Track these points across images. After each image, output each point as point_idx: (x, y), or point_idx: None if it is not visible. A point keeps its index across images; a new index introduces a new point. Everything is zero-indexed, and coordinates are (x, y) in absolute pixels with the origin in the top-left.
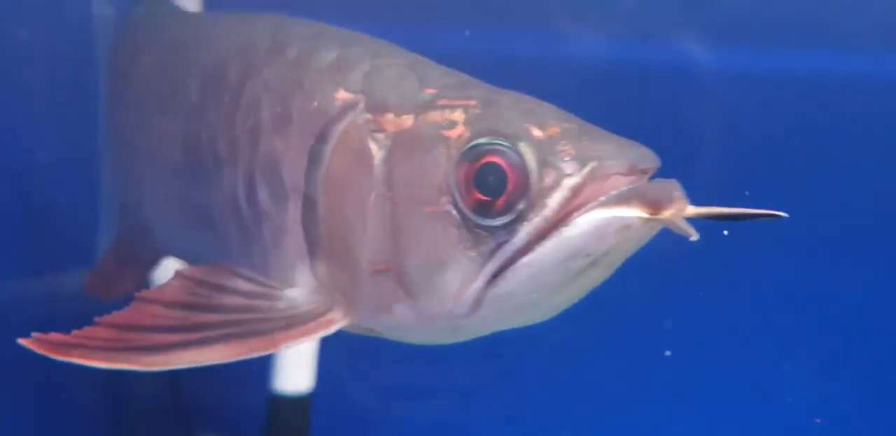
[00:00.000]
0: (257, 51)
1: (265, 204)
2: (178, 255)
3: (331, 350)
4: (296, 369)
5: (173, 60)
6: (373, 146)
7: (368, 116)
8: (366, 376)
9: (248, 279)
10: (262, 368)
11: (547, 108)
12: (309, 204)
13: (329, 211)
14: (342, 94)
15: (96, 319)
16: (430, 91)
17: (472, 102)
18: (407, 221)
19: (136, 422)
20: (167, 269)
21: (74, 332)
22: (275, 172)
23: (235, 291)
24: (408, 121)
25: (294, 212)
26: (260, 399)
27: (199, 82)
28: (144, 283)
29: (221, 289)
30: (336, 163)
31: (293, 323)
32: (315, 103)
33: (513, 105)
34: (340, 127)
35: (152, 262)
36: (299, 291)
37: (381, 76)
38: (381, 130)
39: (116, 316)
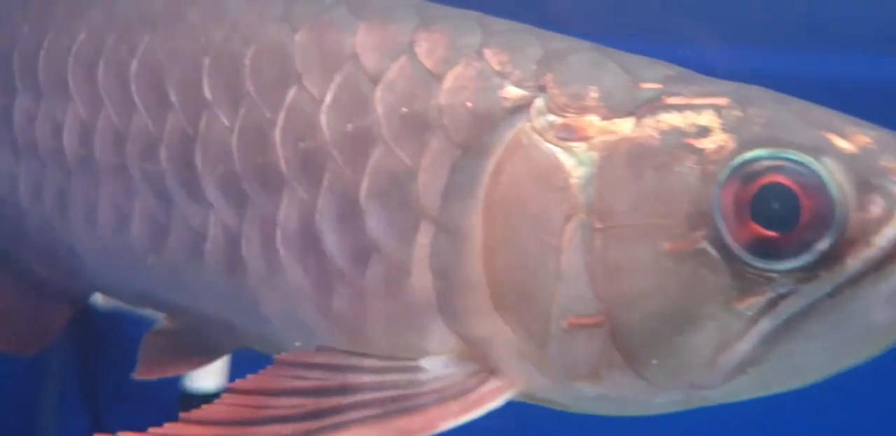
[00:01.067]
0: (334, 24)
1: (375, 238)
2: (126, 297)
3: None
4: (207, 367)
5: (138, 27)
6: (566, 160)
7: (554, 118)
8: None
9: (364, 355)
10: None
11: (815, 107)
12: (451, 237)
13: (492, 246)
14: (510, 91)
15: (198, 418)
16: (649, 85)
17: (722, 100)
18: (633, 262)
19: (49, 421)
20: None
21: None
22: (392, 194)
23: (356, 369)
24: (624, 126)
25: (424, 248)
26: (172, 397)
27: (211, 65)
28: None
29: (338, 369)
30: (504, 182)
31: (446, 397)
32: (465, 103)
33: (778, 104)
34: (508, 134)
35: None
36: (440, 358)
37: (567, 65)
38: (579, 139)
39: (224, 413)
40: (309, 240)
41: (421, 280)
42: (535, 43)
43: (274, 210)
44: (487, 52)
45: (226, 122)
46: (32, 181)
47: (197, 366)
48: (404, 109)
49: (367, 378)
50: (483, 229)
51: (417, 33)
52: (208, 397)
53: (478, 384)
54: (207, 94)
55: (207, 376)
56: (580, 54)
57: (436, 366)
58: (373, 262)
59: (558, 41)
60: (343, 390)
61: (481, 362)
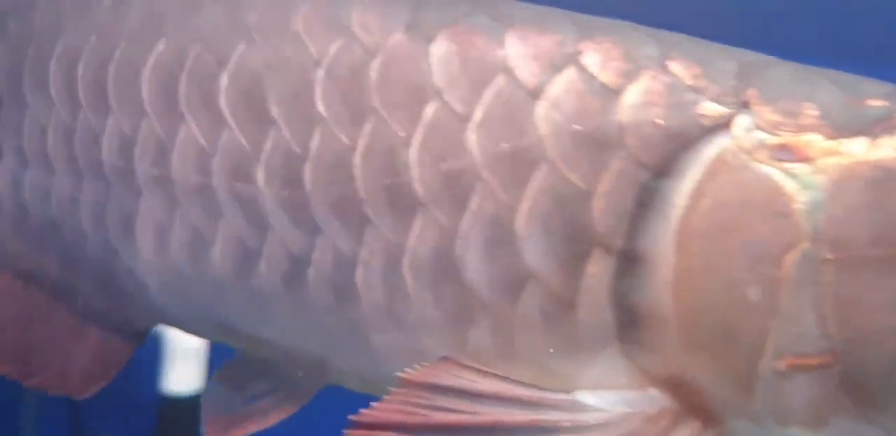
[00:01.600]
0: (477, 33)
1: (532, 266)
2: (198, 330)
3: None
4: (185, 370)
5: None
6: (787, 183)
7: (766, 137)
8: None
9: (506, 380)
10: (152, 368)
11: None
12: (635, 264)
13: (687, 275)
14: (708, 108)
15: None
16: (875, 102)
17: None
18: (874, 296)
19: (29, 423)
20: None
21: None
22: (559, 218)
23: (501, 399)
24: (855, 146)
25: (594, 276)
26: (151, 400)
27: (326, 78)
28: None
29: (478, 396)
30: (706, 206)
31: None
32: (654, 120)
33: None
34: (710, 154)
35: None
36: (611, 394)
37: (770, 79)
38: (800, 160)
39: None
40: (445, 267)
41: (588, 311)
42: (724, 55)
43: (402, 235)
44: (674, 65)
45: (345, 140)
46: (94, 204)
47: (278, 412)
48: (576, 127)
49: (516, 415)
50: (677, 257)
51: (582, 43)
52: (187, 401)
53: (666, 427)
54: (321, 109)
55: (186, 380)
56: (780, 68)
57: (606, 404)
58: (527, 291)
59: (746, 54)
60: (487, 428)
61: (666, 401)
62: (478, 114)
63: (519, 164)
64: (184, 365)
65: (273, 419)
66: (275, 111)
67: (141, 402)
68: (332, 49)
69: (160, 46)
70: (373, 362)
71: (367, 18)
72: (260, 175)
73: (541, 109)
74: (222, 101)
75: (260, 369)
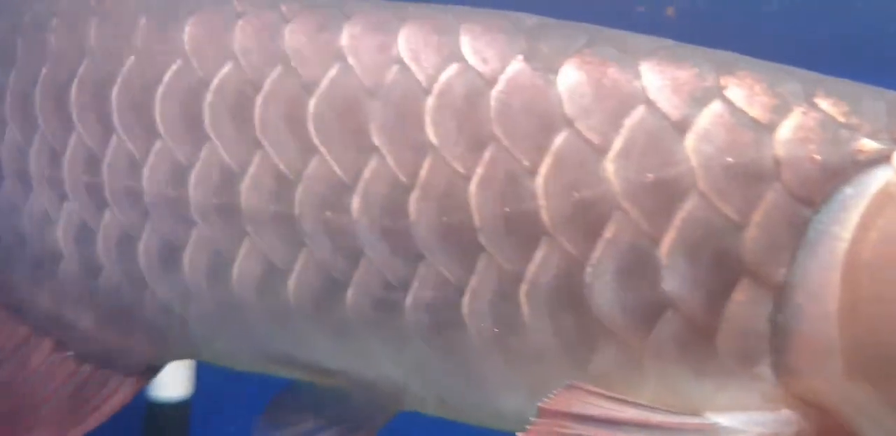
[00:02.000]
0: (607, 64)
1: (672, 294)
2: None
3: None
4: (174, 375)
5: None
6: None
7: None
8: (246, 381)
9: (641, 405)
10: None
11: None
12: (795, 295)
13: (853, 307)
14: (865, 144)
15: None
16: None
17: None
18: None
19: None
20: None
21: None
22: (707, 249)
23: (643, 426)
24: None
25: (741, 305)
26: (139, 405)
27: (437, 105)
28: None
29: (620, 424)
30: (873, 239)
31: None
32: (811, 155)
33: None
34: (872, 188)
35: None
36: (744, 416)
37: None
38: None
39: None
40: (569, 296)
41: (728, 337)
42: (869, 94)
43: (522, 264)
44: (822, 102)
45: (459, 168)
46: (120, 236)
47: None
48: (729, 160)
49: None
50: (842, 289)
51: (723, 77)
52: (175, 407)
53: None
54: (432, 137)
55: (173, 385)
56: None
57: (740, 423)
58: (663, 319)
59: (886, 93)
60: None
61: (802, 422)
62: (616, 144)
63: (664, 194)
64: (171, 371)
65: None
66: (376, 139)
67: (128, 407)
68: (444, 77)
69: (226, 69)
70: (466, 387)
71: (480, 46)
72: (356, 204)
73: (689, 142)
74: (310, 127)
75: (313, 403)
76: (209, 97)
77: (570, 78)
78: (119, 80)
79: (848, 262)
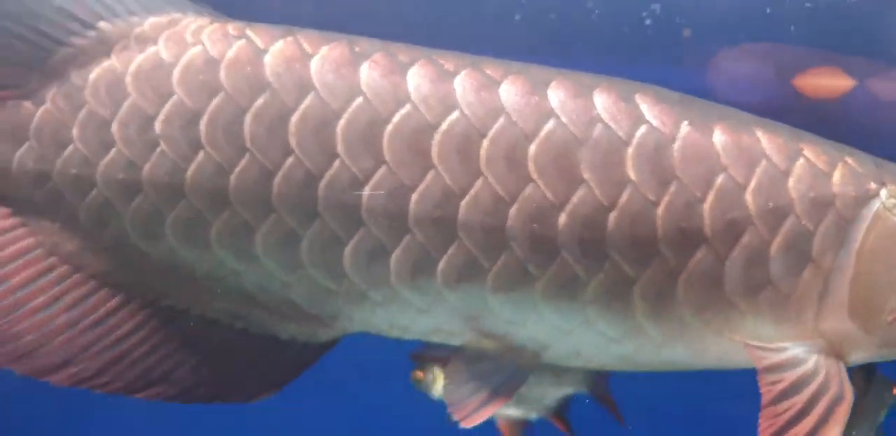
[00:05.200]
0: (740, 131)
1: (773, 276)
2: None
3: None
4: None
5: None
6: None
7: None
8: None
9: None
10: None
11: None
12: (832, 273)
13: (858, 278)
14: (871, 185)
15: None
16: None
17: None
18: None
19: None
20: None
21: None
22: (796, 248)
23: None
24: None
25: (807, 280)
26: None
27: (636, 154)
28: None
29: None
30: (871, 240)
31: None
32: (849, 192)
33: None
34: (872, 211)
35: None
36: (806, 343)
37: (889, 167)
38: None
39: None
40: (711, 282)
41: (801, 300)
42: (862, 156)
43: (684, 261)
44: (849, 160)
45: (651, 197)
46: (327, 242)
47: (508, 392)
48: (812, 195)
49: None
50: (854, 268)
51: (800, 142)
52: None
53: (835, 363)
54: (631, 175)
55: None
56: (881, 161)
57: (806, 350)
58: (765, 292)
59: (869, 155)
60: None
61: (826, 347)
62: (752, 183)
63: (777, 215)
64: None
65: (506, 398)
66: (586, 175)
67: None
68: (638, 134)
69: (453, 117)
70: (612, 347)
71: (658, 112)
72: (562, 220)
73: (791, 183)
74: (530, 165)
75: (481, 359)
76: (438, 137)
77: (722, 139)
78: (345, 116)
79: (859, 254)
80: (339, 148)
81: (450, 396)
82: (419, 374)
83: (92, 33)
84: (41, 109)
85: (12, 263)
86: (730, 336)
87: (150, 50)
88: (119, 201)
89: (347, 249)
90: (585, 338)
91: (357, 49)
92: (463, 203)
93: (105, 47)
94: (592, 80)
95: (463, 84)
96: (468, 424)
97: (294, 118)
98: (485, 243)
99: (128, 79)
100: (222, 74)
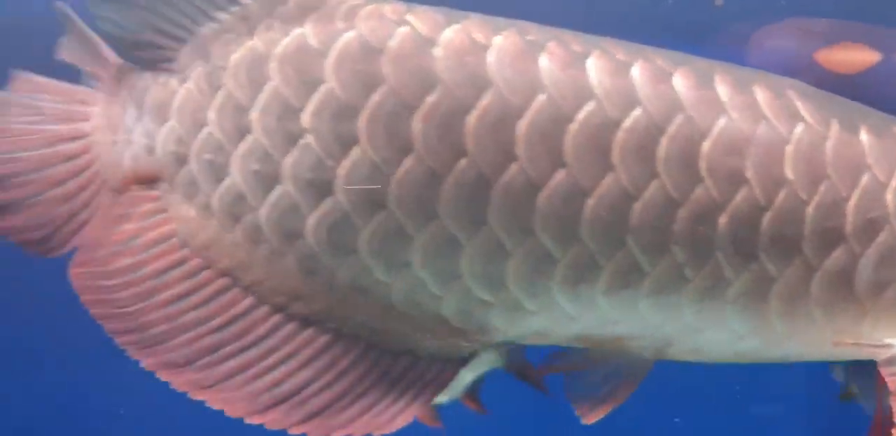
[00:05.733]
0: (882, 132)
1: None
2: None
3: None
4: None
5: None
6: None
7: None
8: None
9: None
10: None
11: None
12: None
13: None
14: None
15: None
16: None
17: None
18: None
19: None
20: None
21: None
22: None
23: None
24: None
25: None
26: None
27: (794, 151)
28: None
29: None
30: None
31: None
32: None
33: None
34: None
35: None
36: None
37: None
38: None
39: None
40: (844, 280)
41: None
42: None
43: (822, 260)
44: None
45: (803, 196)
46: (490, 252)
47: (627, 388)
48: None
49: None
50: None
51: None
52: None
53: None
54: (789, 174)
55: None
56: None
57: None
58: (889, 291)
59: None
60: None
61: None
62: (893, 183)
63: None
64: None
65: (628, 392)
66: (749, 173)
67: None
68: (797, 131)
69: (636, 113)
70: (736, 343)
71: (810, 109)
72: (722, 221)
73: None
74: (703, 164)
75: (605, 359)
76: (620, 136)
77: (870, 138)
78: (528, 114)
79: None
80: (519, 149)
81: (573, 394)
82: None
83: (235, 8)
84: (183, 88)
85: (149, 250)
86: (850, 333)
87: (296, 32)
88: (253, 194)
89: (513, 259)
90: (714, 336)
91: (530, 38)
92: (636, 206)
93: (248, 25)
94: (745, 73)
95: (641, 76)
96: (590, 420)
97: (470, 117)
98: (650, 248)
99: (271, 63)
100: (384, 66)
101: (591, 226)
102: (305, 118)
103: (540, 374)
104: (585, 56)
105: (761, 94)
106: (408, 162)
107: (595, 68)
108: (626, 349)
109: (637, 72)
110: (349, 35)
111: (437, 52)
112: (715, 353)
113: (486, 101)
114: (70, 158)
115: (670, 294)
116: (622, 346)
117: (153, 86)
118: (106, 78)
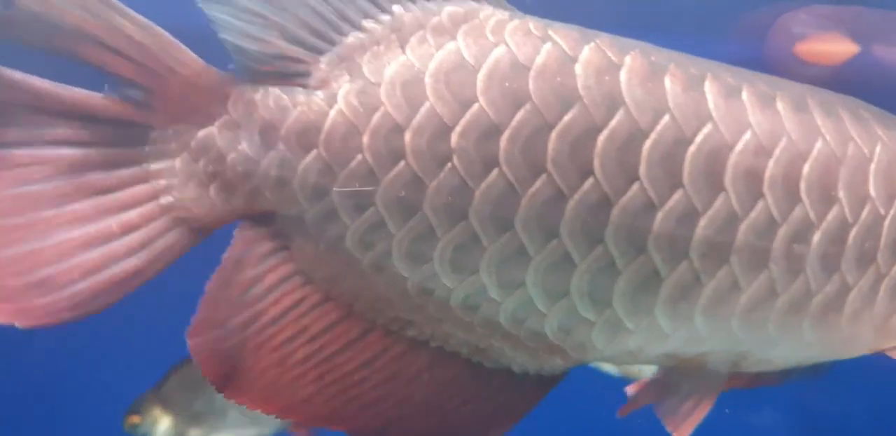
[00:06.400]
0: None
1: None
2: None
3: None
4: None
5: None
6: None
7: None
8: None
9: None
10: None
11: None
12: None
13: None
14: None
15: None
16: None
17: None
18: None
19: None
20: None
21: None
22: None
23: None
24: None
25: None
26: None
27: (878, 170)
28: None
29: None
30: None
31: None
32: None
33: None
34: None
35: None
36: None
37: None
38: None
39: None
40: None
41: None
42: None
43: (891, 268)
44: None
45: (881, 211)
46: (592, 271)
47: (708, 401)
48: None
49: None
50: None
51: None
52: None
53: None
54: (871, 191)
55: None
56: None
57: None
58: None
59: None
60: None
61: None
62: None
63: None
64: None
65: (709, 405)
66: (841, 193)
67: None
68: (878, 150)
69: (747, 137)
70: (802, 351)
71: (883, 127)
72: (815, 238)
73: None
74: (802, 185)
75: (687, 374)
76: (732, 159)
77: None
78: (653, 136)
79: None
80: (642, 170)
81: (662, 412)
82: (134, 418)
83: (386, 18)
84: (334, 110)
85: (270, 295)
86: None
87: (450, 46)
88: (393, 222)
89: (622, 277)
90: (787, 347)
91: (653, 59)
92: (742, 226)
93: (400, 37)
94: (825, 95)
95: (749, 101)
96: (683, 434)
97: (601, 137)
98: (749, 266)
99: (427, 79)
100: (531, 83)
101: (700, 246)
102: (455, 139)
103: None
104: (703, 79)
105: (846, 116)
106: (539, 183)
107: (711, 92)
108: (706, 365)
109: (746, 96)
110: (500, 51)
111: (578, 69)
112: (781, 362)
113: (616, 121)
114: (137, 203)
115: (761, 310)
116: (703, 362)
117: (292, 108)
118: (187, 91)
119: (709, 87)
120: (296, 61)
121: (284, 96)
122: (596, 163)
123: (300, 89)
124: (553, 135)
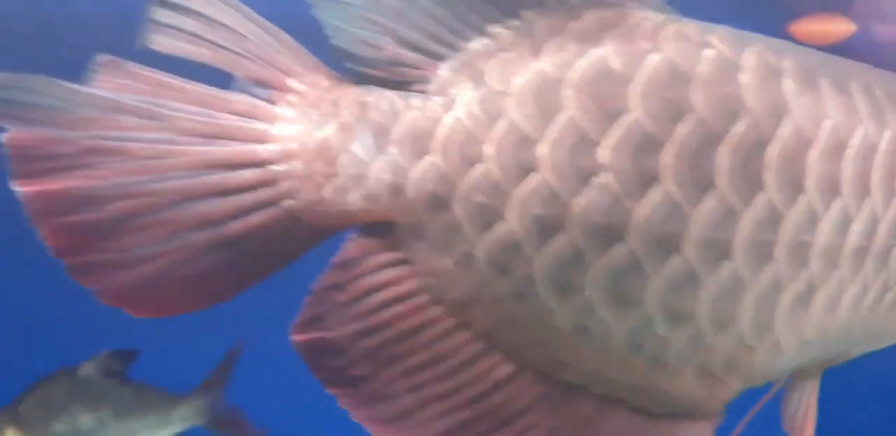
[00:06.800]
0: None
1: None
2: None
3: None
4: None
5: None
6: None
7: None
8: None
9: None
10: None
11: None
12: None
13: None
14: None
15: None
16: None
17: None
18: None
19: None
20: None
21: None
22: None
23: None
24: None
25: None
26: None
27: None
28: None
29: None
30: None
31: None
32: None
33: None
34: None
35: None
36: None
37: None
38: None
39: None
40: None
41: None
42: None
43: None
44: None
45: None
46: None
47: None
48: None
49: None
50: None
51: None
52: None
53: None
54: None
55: None
56: None
57: None
58: None
59: None
60: None
61: None
62: None
63: None
64: None
65: (815, 402)
66: None
67: None
68: None
69: (859, 134)
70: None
71: None
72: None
73: None
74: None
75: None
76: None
77: None
78: (817, 145)
79: None
80: (807, 182)
81: (784, 422)
82: None
83: (516, 23)
84: (450, 116)
85: (389, 309)
86: None
87: (594, 53)
88: (531, 242)
89: (783, 296)
90: (870, 343)
91: (810, 63)
92: (853, 228)
93: (532, 43)
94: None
95: (858, 101)
96: None
97: (770, 149)
98: (853, 269)
99: (566, 90)
100: (693, 94)
101: (821, 252)
102: (604, 153)
103: None
104: (847, 86)
105: None
106: (709, 200)
107: (856, 98)
108: (809, 369)
109: (860, 97)
110: (655, 58)
111: (744, 78)
112: (857, 354)
113: (784, 131)
114: (243, 190)
115: (878, 309)
116: (816, 367)
117: (405, 111)
118: (306, 92)
119: (854, 95)
120: (412, 67)
121: (399, 100)
122: (766, 177)
123: (416, 94)
124: (722, 149)
